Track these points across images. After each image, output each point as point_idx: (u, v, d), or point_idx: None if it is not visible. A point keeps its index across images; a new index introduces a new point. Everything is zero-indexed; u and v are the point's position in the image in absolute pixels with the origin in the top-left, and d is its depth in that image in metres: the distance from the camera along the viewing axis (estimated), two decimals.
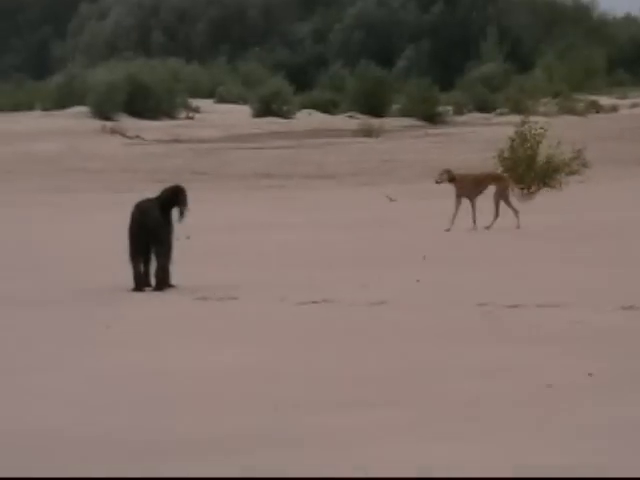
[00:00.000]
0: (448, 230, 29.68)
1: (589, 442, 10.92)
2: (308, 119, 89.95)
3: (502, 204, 30.27)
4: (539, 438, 11.50)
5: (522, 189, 38.01)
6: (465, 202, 30.57)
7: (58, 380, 15.11)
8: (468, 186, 31.00)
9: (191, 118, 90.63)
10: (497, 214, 30.21)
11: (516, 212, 30.02)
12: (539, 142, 39.47)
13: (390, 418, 12.46)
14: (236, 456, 10.85)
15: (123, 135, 73.54)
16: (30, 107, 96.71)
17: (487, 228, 29.62)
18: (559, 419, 12.56)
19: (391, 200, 35.04)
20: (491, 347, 15.77)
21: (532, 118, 50.10)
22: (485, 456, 11.18)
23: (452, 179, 31.26)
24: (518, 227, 29.55)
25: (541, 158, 38.81)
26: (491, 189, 31.18)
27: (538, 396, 13.49)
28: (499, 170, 38.37)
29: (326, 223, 31.97)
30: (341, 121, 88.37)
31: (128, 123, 77.23)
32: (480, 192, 30.98)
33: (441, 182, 31.43)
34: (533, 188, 37.50)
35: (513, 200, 31.17)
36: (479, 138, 57.04)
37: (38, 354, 16.77)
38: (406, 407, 13.11)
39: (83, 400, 13.98)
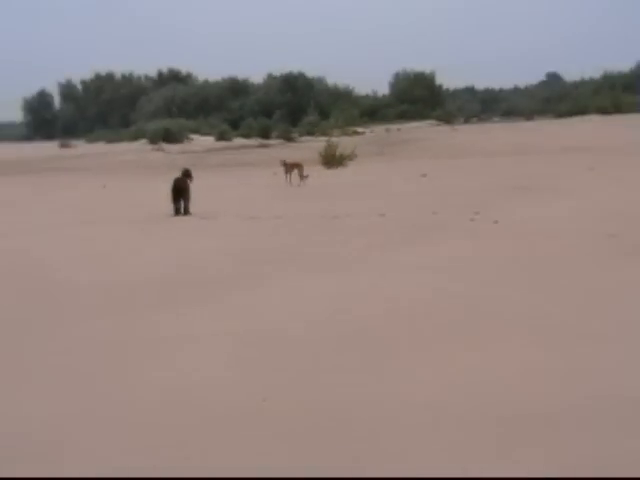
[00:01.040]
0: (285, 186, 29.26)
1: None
2: (238, 141, 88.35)
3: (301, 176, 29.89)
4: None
5: (331, 168, 37.49)
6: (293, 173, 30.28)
7: (143, 251, 14.98)
8: (288, 167, 30.38)
9: (189, 142, 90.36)
10: (298, 180, 29.99)
11: (304, 179, 29.94)
12: (336, 147, 39.16)
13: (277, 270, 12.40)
14: (212, 290, 11.17)
15: (162, 151, 74.05)
16: (121, 140, 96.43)
17: (298, 185, 29.36)
18: (377, 259, 12.66)
19: (274, 174, 32.83)
20: (331, 234, 15.47)
21: (332, 138, 50.97)
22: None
23: (284, 164, 30.69)
24: (300, 185, 29.43)
25: (337, 154, 38.50)
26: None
27: (362, 250, 13.16)
28: (317, 159, 38.61)
29: (250, 184, 31.07)
30: (252, 142, 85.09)
31: (164, 146, 77.11)
32: (293, 170, 30.23)
33: (282, 165, 30.73)
34: (335, 167, 37.22)
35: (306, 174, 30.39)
36: (310, 147, 54.64)
37: (143, 240, 16.69)
38: (283, 263, 12.78)
39: (157, 260, 13.69)
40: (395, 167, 35.57)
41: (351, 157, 39.29)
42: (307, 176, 30.29)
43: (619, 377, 6.78)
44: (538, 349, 7.70)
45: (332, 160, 38.05)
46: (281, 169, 31.41)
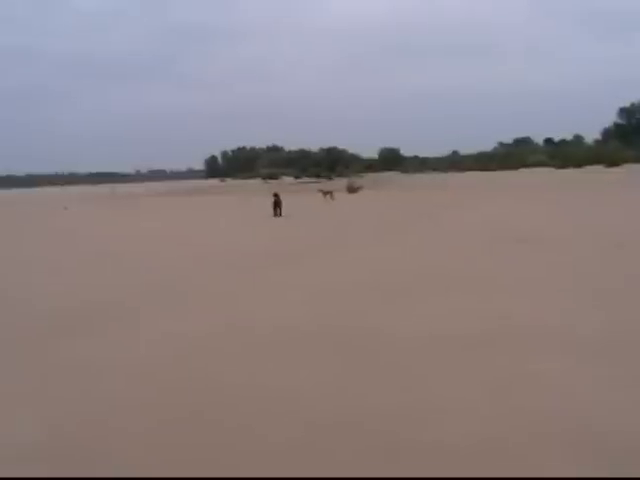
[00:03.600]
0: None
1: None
2: (304, 179, 79.54)
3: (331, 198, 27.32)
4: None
5: (350, 193, 34.92)
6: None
7: (254, 236, 13.77)
8: (325, 193, 27.69)
9: (281, 179, 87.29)
10: (331, 200, 26.67)
11: (333, 201, 26.12)
12: (354, 182, 37.65)
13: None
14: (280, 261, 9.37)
15: (267, 184, 70.12)
16: (248, 179, 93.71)
17: (330, 203, 25.79)
18: (378, 241, 10.93)
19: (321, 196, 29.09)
20: (352, 228, 14.15)
21: (350, 178, 48.55)
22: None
23: (321, 191, 28.39)
24: (333, 202, 25.66)
25: (354, 186, 36.83)
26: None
27: (371, 237, 11.59)
28: (343, 189, 35.80)
29: (308, 200, 27.85)
30: (311, 179, 74.78)
31: (269, 181, 74.15)
32: (328, 194, 27.41)
33: (319, 192, 28.37)
34: (352, 193, 35.07)
35: (336, 196, 27.82)
36: (339, 182, 48.91)
37: (256, 230, 15.38)
38: (328, 244, 11.68)
39: (262, 241, 12.55)
40: (382, 194, 34.08)
41: (361, 188, 37.21)
42: (334, 198, 27.27)
43: None
44: (451, 294, 6.63)
45: (351, 189, 36.08)
46: (320, 194, 28.33)
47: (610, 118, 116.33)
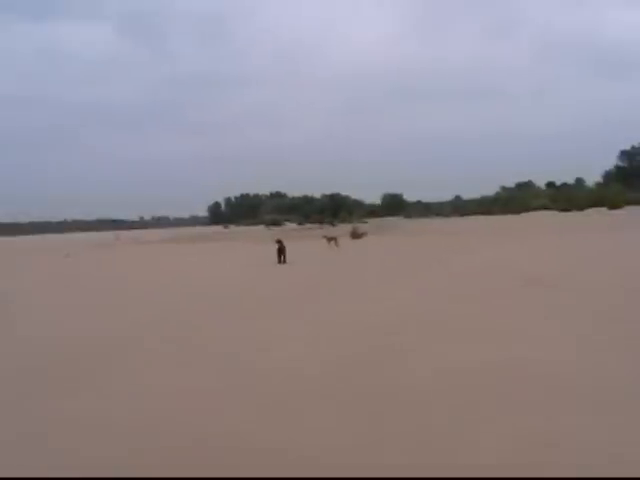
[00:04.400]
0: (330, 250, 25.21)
1: None
2: (307, 226, 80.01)
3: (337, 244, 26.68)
4: None
5: (355, 239, 34.59)
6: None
7: (262, 281, 13.46)
8: (329, 239, 27.16)
9: (284, 225, 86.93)
10: (335, 246, 26.03)
11: (338, 247, 25.50)
12: (358, 228, 37.49)
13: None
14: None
15: (270, 230, 69.79)
16: (251, 225, 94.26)
17: (335, 249, 25.25)
18: (388, 285, 10.71)
19: (326, 242, 28.40)
20: (358, 273, 13.85)
21: (354, 224, 48.70)
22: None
23: (325, 237, 27.80)
24: (337, 247, 25.34)
25: (358, 232, 36.74)
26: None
27: (377, 281, 11.37)
28: (347, 234, 35.64)
29: (312, 247, 27.65)
30: (314, 225, 74.54)
31: (272, 228, 74.43)
32: (332, 240, 26.79)
33: (324, 238, 27.92)
34: (356, 238, 34.77)
35: (340, 242, 27.11)
36: (343, 228, 47.63)
37: (263, 276, 15.10)
38: (333, 289, 11.43)
39: (266, 287, 12.30)
40: (386, 239, 33.82)
41: (365, 234, 36.66)
42: (339, 245, 26.55)
43: None
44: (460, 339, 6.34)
45: (355, 235, 35.66)
46: (324, 240, 27.71)
47: (611, 161, 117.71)
